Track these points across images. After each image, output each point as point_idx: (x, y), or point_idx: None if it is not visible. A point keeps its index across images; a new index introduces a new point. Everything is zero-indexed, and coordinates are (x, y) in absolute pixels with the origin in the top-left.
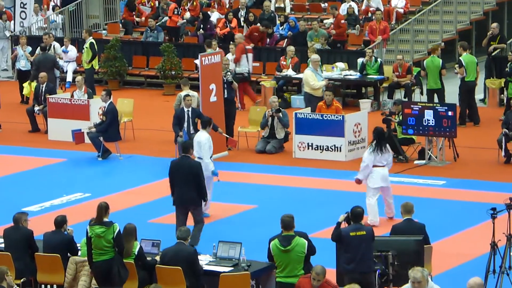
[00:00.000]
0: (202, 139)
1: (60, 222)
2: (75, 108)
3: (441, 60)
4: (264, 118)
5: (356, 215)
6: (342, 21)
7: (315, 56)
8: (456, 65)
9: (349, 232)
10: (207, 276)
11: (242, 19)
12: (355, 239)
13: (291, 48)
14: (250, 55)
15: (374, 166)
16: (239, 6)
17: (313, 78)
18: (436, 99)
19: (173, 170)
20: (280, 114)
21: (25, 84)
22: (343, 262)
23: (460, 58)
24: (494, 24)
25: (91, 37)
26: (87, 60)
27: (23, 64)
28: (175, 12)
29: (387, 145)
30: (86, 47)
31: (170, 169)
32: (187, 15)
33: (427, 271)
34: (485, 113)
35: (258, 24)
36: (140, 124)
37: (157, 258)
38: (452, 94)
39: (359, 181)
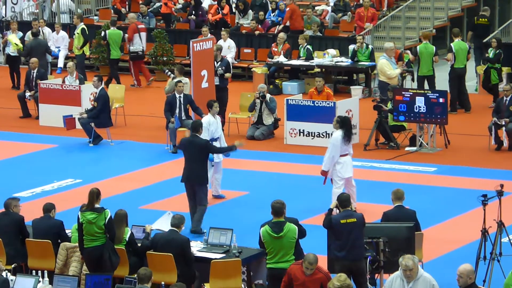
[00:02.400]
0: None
1: (49, 207)
2: (66, 93)
3: (434, 47)
4: (252, 101)
5: (343, 200)
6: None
7: (390, 44)
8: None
9: (340, 220)
10: (198, 263)
11: (233, 5)
12: (346, 226)
13: (282, 35)
14: (143, 34)
15: (341, 155)
16: None
17: (389, 67)
18: (426, 86)
19: (183, 147)
20: (267, 99)
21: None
22: (334, 249)
23: (451, 44)
24: (485, 8)
25: (82, 23)
26: (78, 46)
27: (13, 50)
28: None
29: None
30: (78, 33)
31: (180, 146)
32: (181, 0)
33: (417, 258)
34: (476, 100)
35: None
36: (132, 110)
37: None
38: (443, 81)
39: (325, 173)
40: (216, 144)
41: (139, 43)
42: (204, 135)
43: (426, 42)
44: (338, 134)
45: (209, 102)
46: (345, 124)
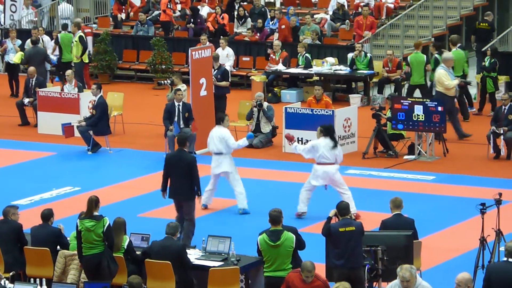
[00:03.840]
0: (225, 132)
1: (47, 215)
2: (65, 101)
3: (425, 56)
4: (250, 110)
5: (341, 209)
6: (282, 26)
7: (449, 55)
8: None
9: (338, 228)
10: (197, 271)
11: (236, 13)
12: (345, 234)
13: (277, 43)
14: (89, 38)
15: (321, 163)
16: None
17: (447, 77)
18: (417, 95)
19: (169, 163)
20: (265, 108)
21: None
22: (332, 258)
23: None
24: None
25: (79, 31)
26: (77, 55)
27: (12, 58)
28: (169, 6)
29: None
30: (76, 41)
31: (166, 162)
32: (179, 7)
33: (415, 268)
34: (474, 108)
35: None
36: (130, 118)
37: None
38: None
39: (291, 138)
40: None
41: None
42: (231, 140)
43: (417, 52)
44: (326, 140)
45: (221, 116)
46: (329, 132)
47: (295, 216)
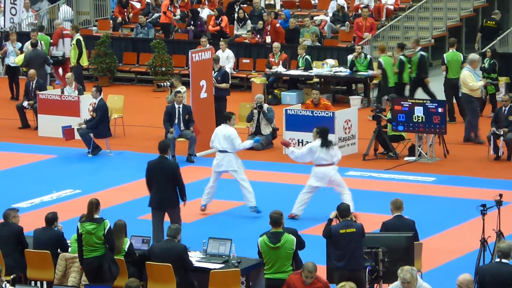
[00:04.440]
0: (231, 131)
1: (51, 219)
2: (65, 104)
3: (392, 59)
4: (250, 112)
5: (342, 210)
6: (277, 25)
7: (475, 56)
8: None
9: (339, 230)
10: (197, 273)
11: (236, 15)
12: (345, 236)
13: (276, 45)
14: (67, 40)
15: (320, 165)
16: (233, 0)
17: (472, 79)
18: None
19: (151, 171)
20: (265, 109)
21: None
22: (333, 259)
23: (443, 55)
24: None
25: (78, 34)
26: (74, 59)
27: (12, 60)
28: (169, 9)
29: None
30: (73, 44)
31: (148, 170)
32: (178, 11)
33: (416, 269)
34: None
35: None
36: (131, 121)
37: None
38: (442, 91)
39: (287, 143)
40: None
41: (61, 48)
42: (237, 140)
43: (384, 55)
44: (318, 142)
45: (228, 115)
46: (323, 134)
47: (288, 217)
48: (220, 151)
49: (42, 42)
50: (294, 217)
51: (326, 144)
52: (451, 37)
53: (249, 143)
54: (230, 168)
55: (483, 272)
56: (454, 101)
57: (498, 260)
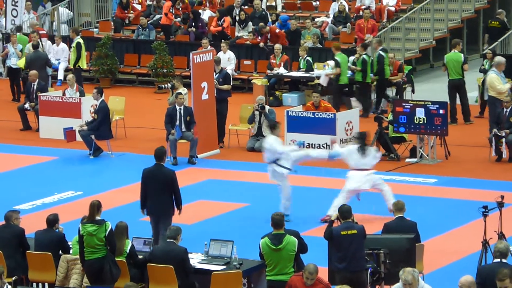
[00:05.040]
0: (269, 141)
1: (52, 221)
2: (66, 106)
3: (346, 56)
4: (252, 113)
5: (343, 212)
6: (277, 30)
7: (501, 59)
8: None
9: (340, 231)
10: (199, 275)
11: (237, 18)
12: (346, 237)
13: (278, 46)
14: (44, 40)
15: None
16: (234, 4)
17: (499, 82)
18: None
19: (147, 178)
20: (266, 111)
21: None
22: (334, 261)
23: (445, 56)
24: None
25: (78, 37)
26: (72, 63)
27: (14, 62)
28: (171, 10)
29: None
30: (73, 47)
31: (143, 178)
32: (180, 12)
33: (417, 271)
34: (476, 111)
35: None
36: (132, 122)
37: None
38: (443, 93)
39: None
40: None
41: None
42: (280, 147)
43: (339, 53)
44: (355, 147)
45: (275, 124)
46: (362, 139)
47: (320, 221)
48: (269, 163)
49: (44, 44)
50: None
51: (363, 150)
52: (453, 38)
53: (292, 147)
54: (277, 178)
55: (484, 272)
56: (458, 102)
57: (498, 260)
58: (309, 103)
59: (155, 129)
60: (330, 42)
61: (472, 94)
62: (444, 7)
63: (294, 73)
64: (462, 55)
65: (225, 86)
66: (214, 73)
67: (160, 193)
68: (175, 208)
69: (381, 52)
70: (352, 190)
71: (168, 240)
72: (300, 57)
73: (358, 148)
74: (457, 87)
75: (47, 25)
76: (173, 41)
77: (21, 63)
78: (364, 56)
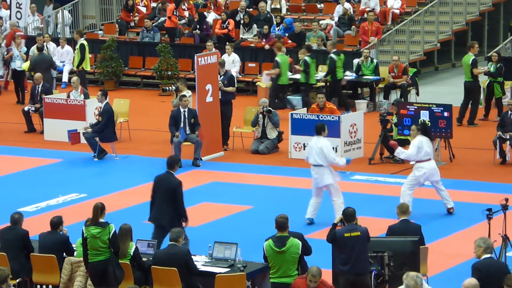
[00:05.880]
0: (324, 144)
1: (56, 223)
2: (71, 108)
3: (288, 56)
4: (255, 116)
5: (348, 215)
6: (266, 47)
7: None
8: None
9: (344, 233)
10: (203, 277)
11: (241, 21)
12: (350, 240)
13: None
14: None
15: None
16: (238, 8)
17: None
18: None
19: (156, 185)
20: (271, 114)
21: None
22: (338, 263)
23: None
24: None
25: (82, 38)
26: (76, 64)
27: (18, 65)
28: (174, 13)
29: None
30: (77, 48)
31: (153, 184)
32: (186, 14)
33: (421, 276)
34: (480, 113)
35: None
36: (136, 125)
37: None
38: (449, 95)
39: (395, 145)
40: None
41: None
42: (332, 154)
43: (281, 54)
44: (421, 138)
45: (321, 126)
46: (425, 129)
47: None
48: (316, 166)
49: (48, 46)
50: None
51: (430, 138)
52: (457, 41)
53: (341, 160)
54: (329, 182)
55: (486, 268)
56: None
57: (488, 256)
58: (314, 104)
59: (160, 131)
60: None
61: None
62: (449, 10)
63: (298, 76)
64: (473, 58)
65: (230, 88)
66: (219, 76)
67: (162, 202)
68: (186, 219)
69: (332, 55)
70: (419, 182)
71: (170, 243)
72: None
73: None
74: (468, 89)
75: (51, 28)
76: (177, 43)
77: (26, 67)
78: (306, 58)
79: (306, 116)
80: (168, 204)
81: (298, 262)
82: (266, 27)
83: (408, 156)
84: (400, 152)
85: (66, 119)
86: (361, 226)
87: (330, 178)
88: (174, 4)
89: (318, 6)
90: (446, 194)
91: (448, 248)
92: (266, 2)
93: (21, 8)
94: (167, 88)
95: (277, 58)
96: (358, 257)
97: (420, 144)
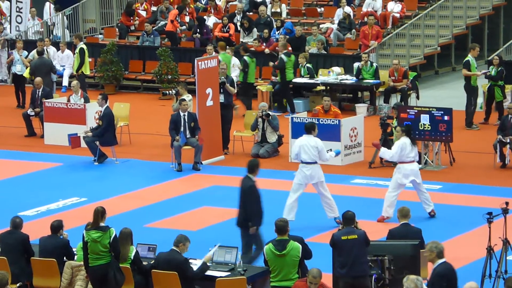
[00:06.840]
0: (318, 142)
1: (56, 227)
2: (71, 112)
3: (232, 57)
4: (255, 120)
5: (347, 218)
6: (267, 50)
7: None
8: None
9: (341, 236)
10: (203, 281)
11: (238, 24)
12: (347, 243)
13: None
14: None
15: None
16: (236, 11)
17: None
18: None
19: (240, 188)
20: (270, 118)
21: None
22: (337, 266)
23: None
24: None
25: (81, 43)
26: (75, 68)
27: (19, 69)
28: (177, 18)
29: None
30: (76, 53)
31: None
32: (187, 19)
33: (421, 279)
34: (480, 117)
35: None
36: (136, 129)
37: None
38: (449, 99)
39: (378, 146)
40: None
41: None
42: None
43: (223, 53)
44: (405, 140)
45: (312, 125)
46: (409, 131)
47: (377, 221)
48: (308, 163)
49: (48, 51)
50: (386, 219)
51: (413, 141)
52: (458, 45)
53: (332, 154)
54: (322, 178)
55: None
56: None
57: (443, 260)
58: (319, 106)
59: (160, 135)
60: (335, 49)
61: (477, 101)
62: (449, 14)
63: (299, 80)
64: (468, 60)
65: (232, 88)
66: (219, 79)
67: (239, 205)
68: (254, 223)
69: (282, 56)
70: (403, 184)
71: (172, 248)
72: (300, 65)
73: (410, 141)
74: (465, 91)
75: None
76: (178, 47)
77: (26, 73)
78: (245, 57)
79: (306, 120)
80: (241, 206)
81: (299, 266)
82: (266, 31)
83: (391, 156)
84: (384, 152)
85: (66, 123)
86: (359, 229)
87: (322, 174)
88: (178, 10)
89: (319, 10)
90: (426, 197)
91: (449, 252)
92: (266, 6)
93: (21, 12)
94: (167, 92)
95: (219, 57)
96: (356, 260)
97: (403, 145)
